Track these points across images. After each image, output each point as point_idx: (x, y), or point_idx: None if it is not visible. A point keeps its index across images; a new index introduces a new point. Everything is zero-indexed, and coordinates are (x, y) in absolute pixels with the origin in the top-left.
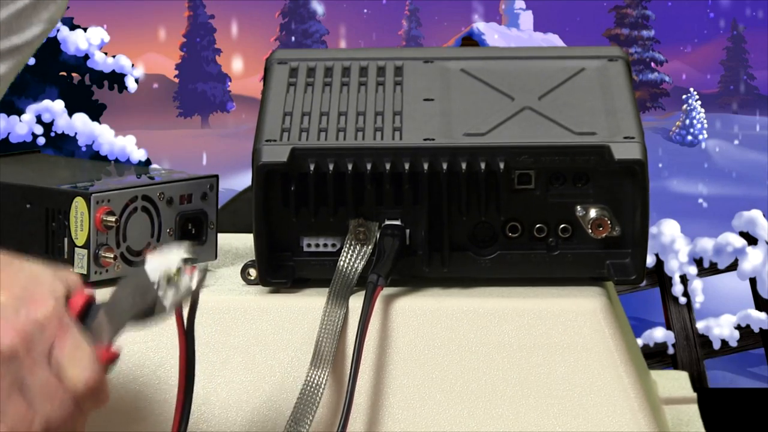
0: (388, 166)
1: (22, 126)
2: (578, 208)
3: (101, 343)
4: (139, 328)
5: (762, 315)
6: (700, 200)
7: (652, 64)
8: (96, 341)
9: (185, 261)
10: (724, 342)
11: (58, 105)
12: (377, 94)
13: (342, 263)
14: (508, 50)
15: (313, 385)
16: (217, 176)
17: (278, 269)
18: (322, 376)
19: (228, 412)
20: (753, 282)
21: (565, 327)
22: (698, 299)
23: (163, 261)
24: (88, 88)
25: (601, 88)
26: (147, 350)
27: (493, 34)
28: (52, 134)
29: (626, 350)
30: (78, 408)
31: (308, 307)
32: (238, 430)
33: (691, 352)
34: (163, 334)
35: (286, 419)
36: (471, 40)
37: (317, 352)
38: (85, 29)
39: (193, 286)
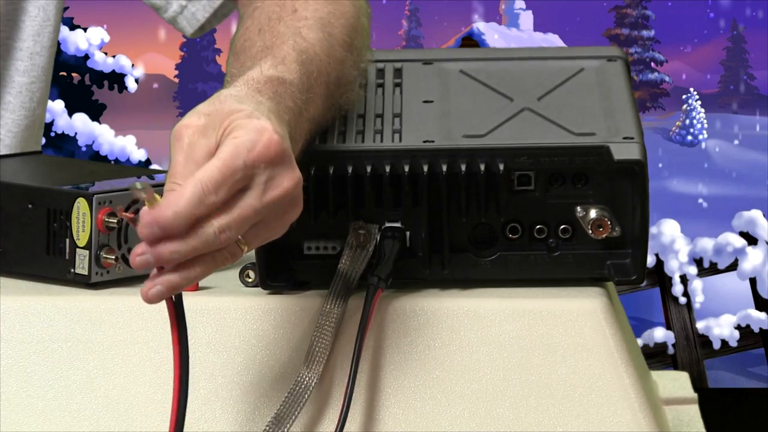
0: (387, 169)
1: None
2: (578, 208)
3: None
4: None
5: (762, 315)
6: (700, 200)
7: (652, 64)
8: None
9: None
10: (724, 342)
11: (58, 105)
12: (377, 96)
13: (342, 266)
14: (506, 51)
15: (302, 385)
16: None
17: (278, 273)
18: (312, 376)
19: (228, 412)
20: (753, 282)
21: (566, 327)
22: (698, 299)
23: None
24: (88, 88)
25: (600, 88)
26: (148, 350)
27: (493, 34)
28: (52, 134)
29: (627, 350)
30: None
31: (309, 308)
32: (238, 430)
33: (691, 352)
34: (164, 334)
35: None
36: (471, 40)
37: (310, 352)
38: (85, 29)
39: None
